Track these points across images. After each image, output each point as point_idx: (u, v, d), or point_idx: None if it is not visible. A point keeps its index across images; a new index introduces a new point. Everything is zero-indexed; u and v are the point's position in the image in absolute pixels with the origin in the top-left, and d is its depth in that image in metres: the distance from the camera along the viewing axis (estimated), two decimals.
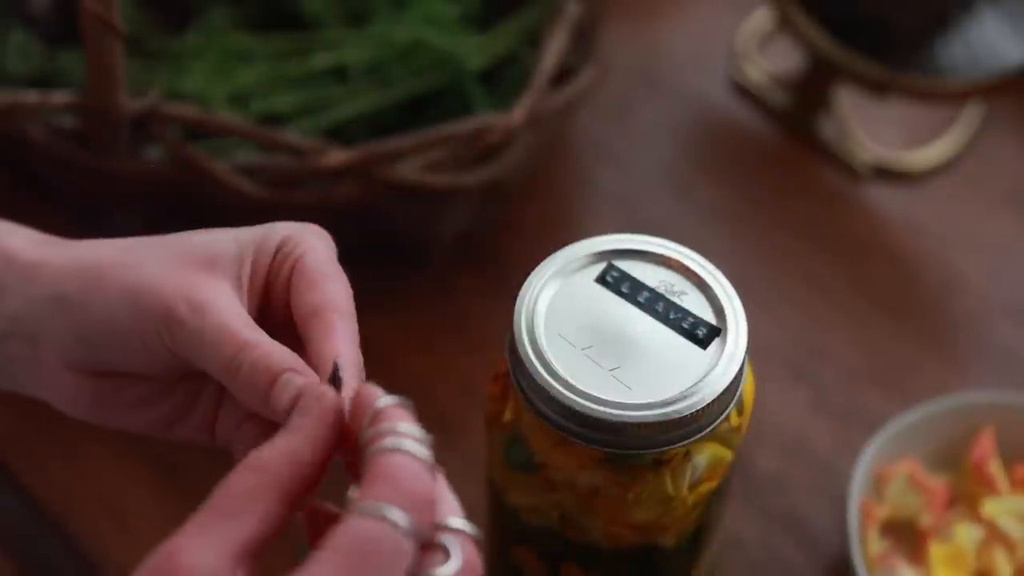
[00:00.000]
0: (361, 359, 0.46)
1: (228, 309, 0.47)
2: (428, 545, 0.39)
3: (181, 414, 0.51)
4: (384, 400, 0.41)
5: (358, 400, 0.42)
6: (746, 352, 0.52)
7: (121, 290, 0.48)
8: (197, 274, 0.47)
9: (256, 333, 0.46)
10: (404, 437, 0.40)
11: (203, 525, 0.39)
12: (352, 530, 0.38)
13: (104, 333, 0.48)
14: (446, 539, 0.39)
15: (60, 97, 0.68)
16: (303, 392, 0.44)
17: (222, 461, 0.73)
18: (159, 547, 0.39)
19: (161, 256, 0.49)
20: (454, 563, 0.39)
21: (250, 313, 0.48)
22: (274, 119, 0.77)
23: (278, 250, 0.49)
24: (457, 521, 0.40)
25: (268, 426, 0.48)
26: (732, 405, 0.52)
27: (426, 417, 0.75)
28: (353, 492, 0.40)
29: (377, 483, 0.39)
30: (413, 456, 0.40)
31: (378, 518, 0.38)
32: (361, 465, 0.40)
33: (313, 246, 0.49)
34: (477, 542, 0.40)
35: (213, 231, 0.50)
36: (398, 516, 0.38)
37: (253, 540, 0.40)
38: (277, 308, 0.50)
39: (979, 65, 0.83)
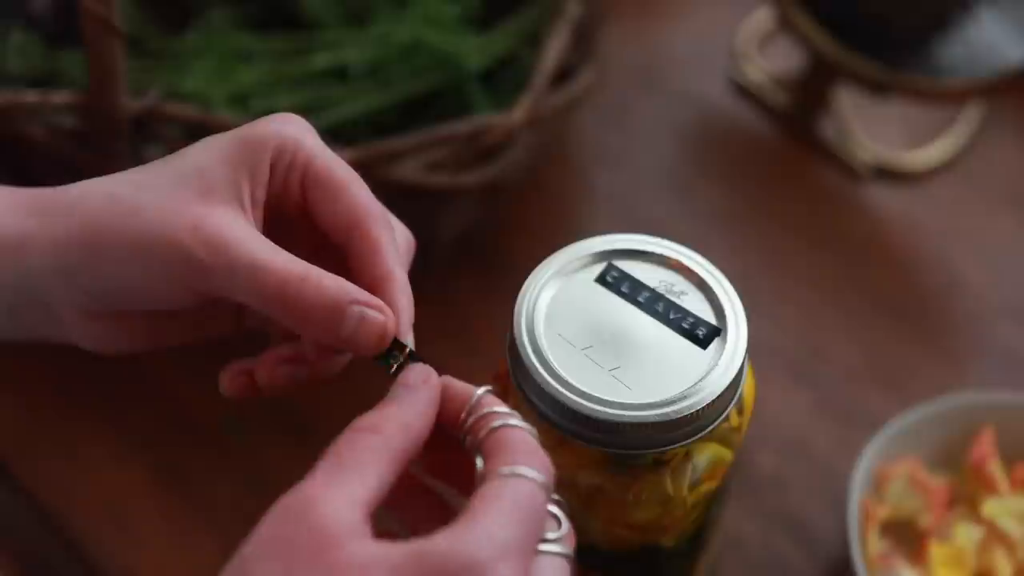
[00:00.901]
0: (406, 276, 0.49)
1: (247, 239, 0.46)
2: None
3: (205, 317, 0.51)
4: (481, 389, 0.45)
5: (450, 393, 0.46)
6: (746, 352, 0.52)
7: (130, 246, 0.46)
8: (200, 206, 0.46)
9: (287, 259, 0.46)
10: (509, 416, 0.44)
11: (332, 476, 0.41)
12: (511, 486, 0.41)
13: (119, 287, 0.47)
14: (551, 507, 0.43)
15: (60, 97, 0.68)
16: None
17: (222, 462, 0.73)
18: (293, 491, 0.40)
19: (157, 194, 0.47)
20: (565, 526, 0.43)
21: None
22: None
23: (274, 164, 0.48)
24: (554, 496, 0.44)
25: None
26: (732, 405, 0.52)
27: None
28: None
29: (509, 451, 0.42)
30: (525, 430, 0.44)
31: (528, 478, 0.41)
32: (476, 441, 0.44)
33: (311, 148, 0.48)
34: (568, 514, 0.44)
35: (194, 152, 0.48)
36: (538, 476, 0.41)
37: (373, 499, 0.41)
38: (289, 222, 0.49)
39: (979, 65, 0.83)
